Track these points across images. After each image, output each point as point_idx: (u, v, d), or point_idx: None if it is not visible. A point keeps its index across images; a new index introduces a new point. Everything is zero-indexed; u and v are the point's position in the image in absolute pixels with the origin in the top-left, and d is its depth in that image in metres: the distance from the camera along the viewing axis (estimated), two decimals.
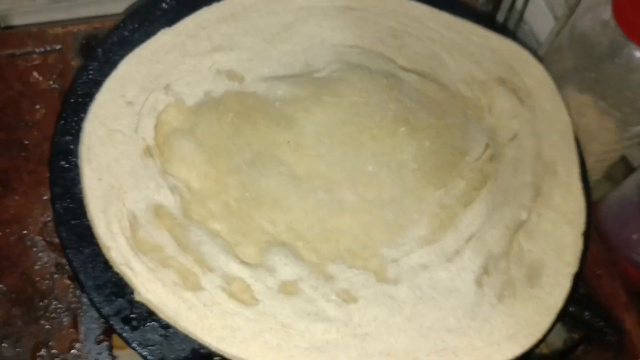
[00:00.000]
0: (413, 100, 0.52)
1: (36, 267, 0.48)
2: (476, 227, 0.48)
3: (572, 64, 0.57)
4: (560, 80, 0.58)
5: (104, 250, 0.43)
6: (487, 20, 0.63)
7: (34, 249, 0.49)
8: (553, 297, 0.46)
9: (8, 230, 0.49)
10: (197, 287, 0.43)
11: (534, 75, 0.58)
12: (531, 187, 0.51)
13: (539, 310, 0.45)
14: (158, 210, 0.46)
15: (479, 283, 0.46)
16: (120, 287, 0.42)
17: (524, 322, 0.44)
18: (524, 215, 0.50)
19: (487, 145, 0.52)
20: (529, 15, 0.70)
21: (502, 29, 0.65)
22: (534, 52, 0.60)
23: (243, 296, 0.43)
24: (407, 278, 0.45)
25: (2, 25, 0.65)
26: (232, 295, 0.43)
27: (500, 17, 0.72)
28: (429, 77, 0.57)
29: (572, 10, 0.61)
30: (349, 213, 0.47)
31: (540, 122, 0.55)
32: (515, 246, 0.48)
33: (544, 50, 0.66)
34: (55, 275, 0.48)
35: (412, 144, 0.50)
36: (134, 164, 0.47)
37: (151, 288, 0.42)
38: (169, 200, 0.46)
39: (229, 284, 0.43)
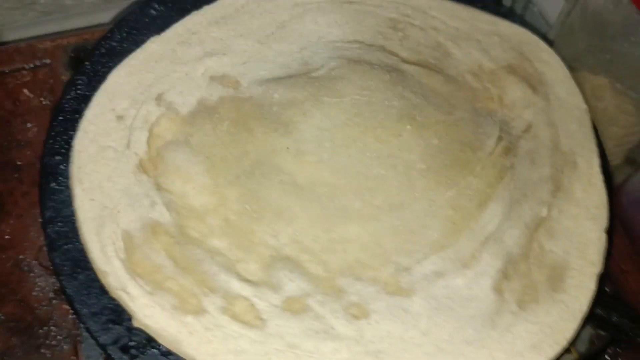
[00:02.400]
0: (418, 96, 0.49)
1: (34, 293, 0.46)
2: (493, 227, 0.45)
3: (585, 46, 0.55)
4: (573, 62, 0.55)
5: (99, 275, 0.41)
6: (492, 3, 0.59)
7: (31, 274, 0.47)
8: (578, 300, 0.43)
9: (4, 256, 0.47)
10: (198, 310, 0.40)
11: (546, 60, 0.54)
12: (550, 180, 0.48)
13: (563, 315, 0.42)
14: (154, 229, 0.44)
15: (498, 289, 0.43)
16: (117, 314, 0.40)
17: (548, 329, 0.42)
18: (544, 212, 0.46)
19: (500, 138, 0.49)
20: None
21: (510, 13, 0.61)
22: (544, 36, 0.56)
23: (247, 317, 0.41)
24: (421, 288, 0.42)
25: None
26: (235, 316, 0.41)
27: (507, 1, 0.69)
28: (434, 68, 0.54)
29: None
30: (356, 221, 0.44)
31: (556, 110, 0.52)
32: (535, 246, 0.45)
33: (555, 33, 0.63)
34: (54, 301, 0.46)
35: (419, 142, 0.47)
36: (127, 181, 0.45)
37: (149, 313, 0.40)
38: (165, 217, 0.44)
39: (232, 305, 0.41)
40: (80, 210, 0.43)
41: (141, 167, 0.46)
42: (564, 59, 0.54)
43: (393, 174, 0.46)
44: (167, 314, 0.40)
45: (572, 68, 0.54)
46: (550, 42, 0.56)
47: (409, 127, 0.48)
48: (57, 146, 0.46)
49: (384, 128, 0.47)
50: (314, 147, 0.46)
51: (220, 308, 0.41)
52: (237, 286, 0.42)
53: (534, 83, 0.53)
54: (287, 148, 0.46)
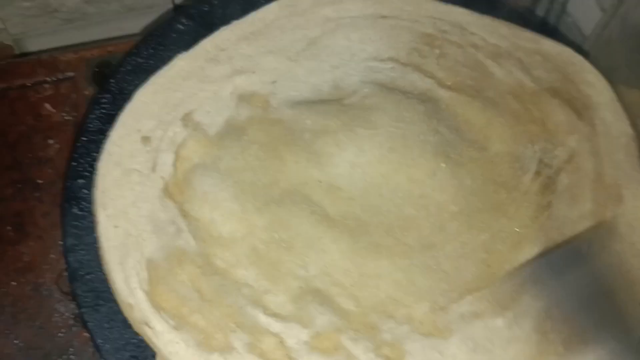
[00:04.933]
0: (452, 130, 0.47)
1: (54, 319, 0.45)
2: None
3: (624, 59, 0.52)
4: (609, 76, 0.52)
5: (123, 308, 0.39)
6: (526, 16, 0.56)
7: (51, 300, 0.45)
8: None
9: (23, 280, 0.46)
10: (224, 347, 0.39)
11: (591, 82, 0.52)
12: (591, 217, 0.45)
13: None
14: (180, 258, 0.42)
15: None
16: (141, 350, 0.38)
17: None
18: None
19: (538, 174, 0.46)
20: (572, 7, 0.64)
21: (543, 23, 0.59)
22: (579, 47, 0.53)
23: (275, 355, 0.39)
24: (458, 328, 0.40)
25: (17, 52, 0.62)
26: (262, 354, 0.39)
27: (540, 11, 0.66)
28: (472, 90, 0.51)
29: (621, 0, 0.55)
30: (388, 257, 0.42)
31: (601, 137, 0.49)
32: None
33: (590, 45, 0.61)
34: (74, 328, 0.44)
35: (452, 183, 0.45)
36: (152, 207, 0.43)
37: (174, 350, 0.38)
38: (190, 245, 0.42)
39: (259, 341, 0.39)
40: (103, 238, 0.41)
41: (167, 192, 0.44)
42: (600, 71, 0.52)
43: (425, 215, 0.44)
44: (192, 351, 0.38)
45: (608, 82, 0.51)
46: (585, 54, 0.53)
47: (443, 165, 0.45)
48: (80, 169, 0.44)
49: (417, 167, 0.45)
50: (346, 183, 0.45)
51: (247, 345, 0.39)
52: (264, 321, 0.40)
53: (578, 107, 0.50)
54: (319, 181, 0.44)
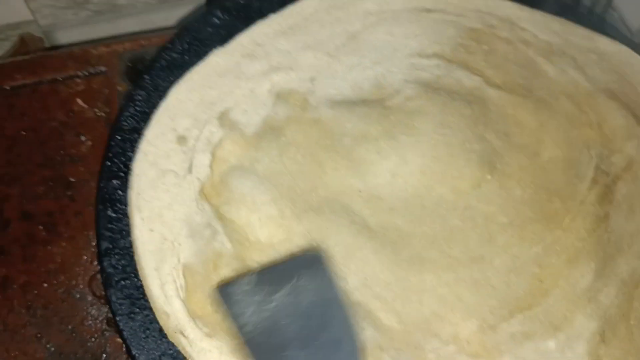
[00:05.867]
0: (501, 136, 0.44)
1: (86, 323, 0.43)
2: (585, 285, 0.40)
3: None
4: None
5: (159, 317, 0.38)
6: (572, 8, 0.53)
7: (83, 303, 0.44)
8: None
9: (55, 282, 0.45)
10: None
11: None
12: None
13: None
14: (216, 262, 0.40)
15: (594, 354, 0.38)
16: None
17: None
18: None
19: (595, 181, 0.43)
20: (618, 1, 0.60)
21: (589, 15, 0.55)
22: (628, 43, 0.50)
23: None
24: (508, 350, 0.38)
25: (47, 44, 0.61)
26: None
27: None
28: (522, 90, 0.48)
29: None
30: (432, 271, 0.40)
31: None
32: (637, 305, 0.40)
33: (638, 40, 0.57)
34: (107, 333, 0.43)
35: (500, 194, 0.42)
36: (188, 210, 0.42)
37: (207, 358, 0.36)
38: (226, 248, 0.40)
39: None
40: (139, 242, 0.40)
41: (203, 194, 0.42)
42: None
43: (471, 226, 0.42)
44: (225, 358, 0.37)
45: None
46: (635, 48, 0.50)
47: (489, 177, 0.43)
48: (114, 169, 0.43)
49: (462, 178, 0.43)
50: (387, 193, 0.42)
51: None
52: None
53: (637, 111, 0.47)
54: (359, 191, 0.42)
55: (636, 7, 0.60)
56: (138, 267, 0.39)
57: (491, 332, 0.38)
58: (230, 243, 0.41)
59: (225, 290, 0.35)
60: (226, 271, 0.40)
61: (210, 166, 0.43)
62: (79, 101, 0.51)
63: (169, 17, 0.62)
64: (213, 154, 0.44)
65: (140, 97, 0.45)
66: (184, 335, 0.37)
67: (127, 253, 0.40)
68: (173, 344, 0.37)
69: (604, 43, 0.50)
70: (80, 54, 0.53)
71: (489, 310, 0.39)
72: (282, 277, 0.35)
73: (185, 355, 0.37)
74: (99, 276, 0.44)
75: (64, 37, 0.62)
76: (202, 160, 0.43)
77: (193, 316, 0.38)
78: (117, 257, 0.40)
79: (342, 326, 0.35)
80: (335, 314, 0.35)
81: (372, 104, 0.46)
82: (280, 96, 0.47)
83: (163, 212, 0.41)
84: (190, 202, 0.42)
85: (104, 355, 0.42)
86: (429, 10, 0.52)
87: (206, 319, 0.38)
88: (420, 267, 0.40)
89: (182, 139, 0.44)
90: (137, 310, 0.38)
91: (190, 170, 0.43)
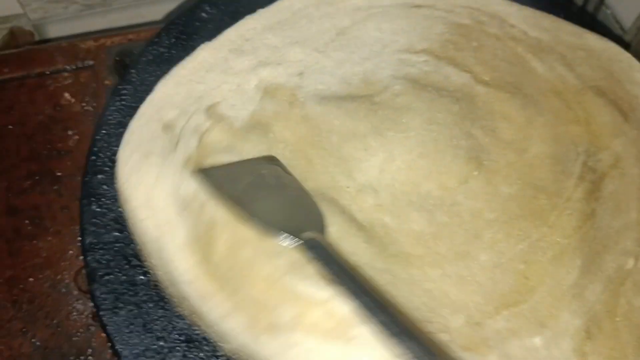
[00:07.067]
0: (488, 132, 0.44)
1: (72, 318, 0.43)
2: (571, 282, 0.40)
3: None
4: None
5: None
6: (562, 5, 0.53)
7: (69, 297, 0.44)
8: None
9: (41, 276, 0.45)
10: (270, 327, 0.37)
11: (639, 82, 0.48)
12: (637, 227, 0.42)
13: None
14: (210, 234, 0.39)
15: (580, 351, 0.38)
16: (162, 356, 0.37)
17: None
18: (629, 264, 0.41)
19: (581, 178, 0.43)
20: None
21: (580, 13, 0.55)
22: (619, 38, 0.50)
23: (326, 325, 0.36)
24: (495, 345, 0.38)
25: (38, 38, 0.60)
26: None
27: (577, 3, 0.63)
28: (511, 87, 0.48)
29: None
30: (417, 266, 0.40)
31: None
32: (622, 302, 0.40)
33: (630, 38, 0.57)
34: (92, 328, 0.43)
35: (486, 190, 0.42)
36: (173, 181, 0.41)
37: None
38: (219, 215, 0.40)
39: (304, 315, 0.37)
40: (135, 235, 0.40)
41: (188, 165, 0.41)
42: None
43: (458, 222, 0.41)
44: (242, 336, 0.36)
45: None
46: (626, 48, 0.50)
47: (475, 173, 0.43)
48: (99, 163, 0.42)
49: (449, 174, 0.43)
50: (374, 191, 0.42)
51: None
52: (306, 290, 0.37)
53: (625, 108, 0.47)
54: (347, 187, 0.41)
55: (629, 4, 0.60)
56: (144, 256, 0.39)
57: (478, 328, 0.38)
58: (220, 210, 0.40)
59: (205, 171, 0.40)
60: (221, 241, 0.39)
61: (197, 148, 0.43)
62: (67, 95, 0.51)
63: (159, 12, 0.62)
64: (200, 140, 0.43)
65: (126, 92, 0.45)
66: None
67: (112, 248, 0.40)
68: (157, 340, 0.37)
69: (592, 40, 0.50)
70: (68, 48, 0.53)
71: (475, 306, 0.39)
72: (248, 164, 0.41)
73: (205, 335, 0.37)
74: (84, 271, 0.44)
75: (54, 30, 0.62)
76: (189, 143, 0.42)
77: (202, 298, 0.38)
78: (101, 252, 0.40)
79: (310, 202, 0.40)
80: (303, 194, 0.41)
81: (360, 99, 0.46)
82: (268, 91, 0.46)
83: (150, 196, 0.40)
84: (174, 173, 0.41)
85: (90, 350, 0.42)
86: (418, 6, 0.52)
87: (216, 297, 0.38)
88: (407, 262, 0.40)
89: (167, 127, 0.43)
90: (121, 305, 0.38)
91: (174, 150, 0.42)
